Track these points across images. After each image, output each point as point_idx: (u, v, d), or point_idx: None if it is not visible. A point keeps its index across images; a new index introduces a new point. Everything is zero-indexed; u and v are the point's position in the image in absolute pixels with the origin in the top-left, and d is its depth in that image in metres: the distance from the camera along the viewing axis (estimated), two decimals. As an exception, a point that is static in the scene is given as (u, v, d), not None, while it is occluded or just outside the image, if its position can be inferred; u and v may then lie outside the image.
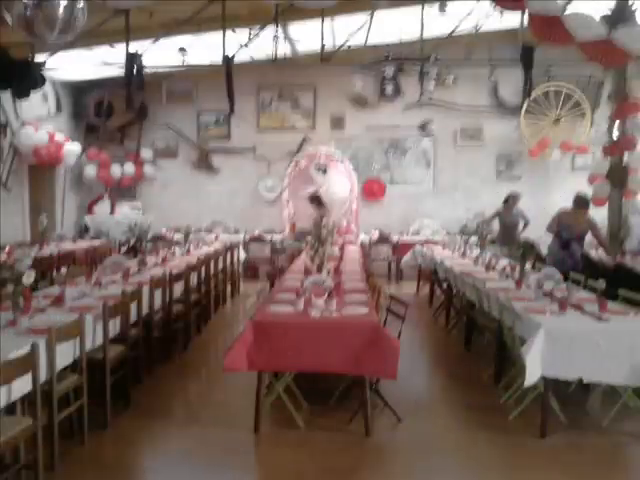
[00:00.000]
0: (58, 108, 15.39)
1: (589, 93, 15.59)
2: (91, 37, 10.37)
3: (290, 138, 16.54)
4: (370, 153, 16.69)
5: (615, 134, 11.82)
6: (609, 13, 8.46)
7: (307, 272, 7.70)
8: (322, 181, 15.54)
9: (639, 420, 6.04)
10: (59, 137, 14.50)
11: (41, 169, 14.80)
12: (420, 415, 6.24)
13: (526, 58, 9.26)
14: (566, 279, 7.83)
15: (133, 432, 5.79)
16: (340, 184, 15.77)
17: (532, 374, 5.53)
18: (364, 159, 16.66)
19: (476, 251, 11.56)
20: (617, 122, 11.77)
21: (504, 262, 9.69)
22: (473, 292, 8.14)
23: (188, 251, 11.57)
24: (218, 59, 9.80)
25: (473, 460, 5.34)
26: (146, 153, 16.58)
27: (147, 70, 9.87)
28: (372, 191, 16.57)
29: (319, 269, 7.35)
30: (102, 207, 16.47)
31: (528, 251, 9.22)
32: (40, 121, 14.18)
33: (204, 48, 12.21)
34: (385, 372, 5.63)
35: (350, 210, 16.02)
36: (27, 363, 4.34)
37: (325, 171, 15.72)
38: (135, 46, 9.51)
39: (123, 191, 16.74)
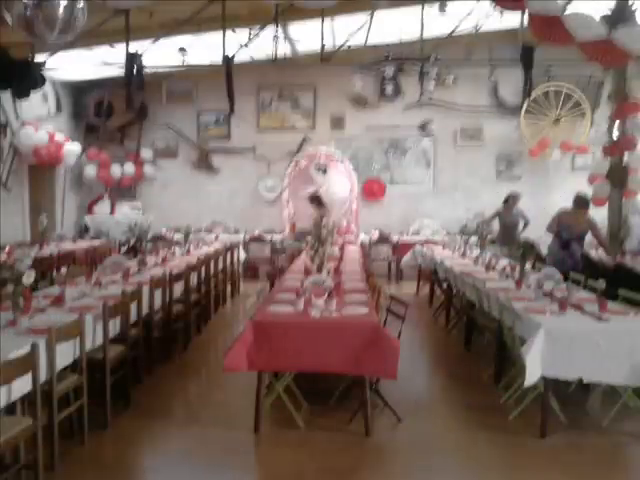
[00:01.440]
0: (58, 108, 15.39)
1: (589, 93, 15.59)
2: (91, 37, 10.37)
3: (290, 138, 16.54)
4: (370, 153, 16.68)
5: (615, 134, 11.82)
6: (609, 13, 8.46)
7: (307, 272, 7.70)
8: (322, 181, 15.54)
9: (639, 420, 6.05)
10: (59, 137, 14.50)
11: (41, 169, 14.80)
12: (420, 415, 6.24)
13: (526, 58, 9.26)
14: (566, 279, 7.83)
15: (133, 432, 5.80)
16: (340, 184, 15.77)
17: (532, 374, 5.53)
18: (364, 159, 16.65)
19: (476, 251, 11.56)
20: (617, 122, 11.77)
21: (504, 262, 9.69)
22: (473, 292, 8.14)
23: (188, 251, 11.56)
24: (218, 59, 9.80)
25: (473, 460, 5.34)
26: (146, 153, 16.58)
27: (147, 70, 9.86)
28: (372, 191, 16.56)
29: (319, 269, 7.35)
30: (102, 207, 16.47)
31: (528, 251, 9.21)
32: (40, 121, 14.18)
33: (204, 48, 12.21)
34: (385, 372, 5.63)
35: (350, 210, 16.02)
36: (27, 363, 4.34)
37: (325, 171, 15.73)
38: (135, 46, 9.51)
39: (123, 191, 16.75)
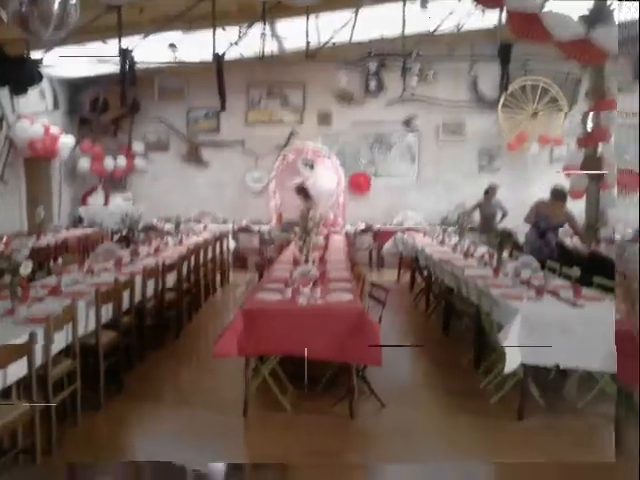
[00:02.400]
0: (55, 105, 15.27)
1: (567, 90, 15.57)
2: (83, 34, 10.28)
3: (278, 132, 16.46)
4: (357, 148, 16.63)
5: (589, 126, 11.79)
6: (587, 13, 8.41)
7: (296, 263, 7.69)
8: (309, 175, 15.51)
9: (613, 402, 6.07)
10: (54, 130, 14.39)
11: (37, 162, 14.70)
12: (402, 400, 6.26)
13: (503, 53, 9.24)
14: (543, 267, 7.85)
15: (125, 414, 5.83)
16: (327, 178, 15.74)
17: (512, 361, 5.55)
18: (351, 154, 16.61)
19: (455, 238, 11.56)
20: (591, 114, 11.75)
21: (483, 249, 9.70)
22: (452, 279, 8.16)
23: (181, 241, 11.49)
24: (208, 57, 9.75)
25: (454, 443, 5.38)
26: (138, 146, 16.48)
27: (139, 66, 9.81)
28: (359, 185, 16.52)
29: (307, 260, 7.36)
30: (96, 198, 16.40)
31: (505, 240, 9.21)
32: (36, 115, 14.07)
33: (195, 45, 12.14)
34: (370, 359, 5.65)
35: (337, 203, 15.97)
36: (23, 349, 4.34)
37: (312, 167, 15.69)
38: (127, 42, 9.45)
39: (114, 183, 16.64)
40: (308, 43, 11.31)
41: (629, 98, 10.80)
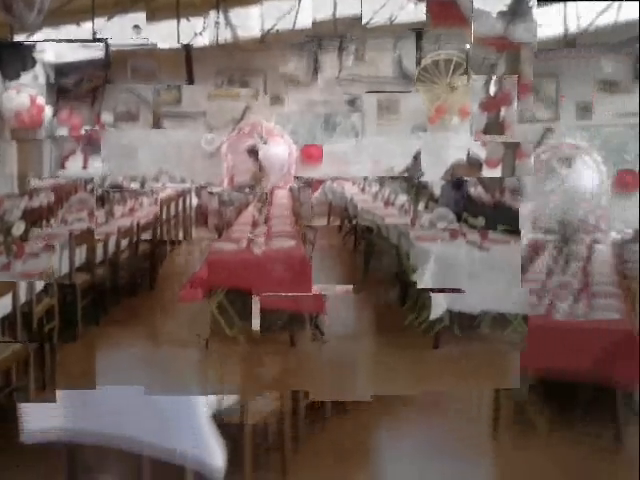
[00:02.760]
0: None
1: (483, 73, 15.36)
2: (56, 17, 10.00)
3: (234, 106, 16.19)
4: (307, 127, 16.51)
5: (492, 90, 11.14)
6: (505, 9, 8.28)
7: (255, 225, 7.67)
8: (262, 147, 15.31)
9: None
10: (40, 100, 13.85)
11: (24, 130, 14.26)
12: (337, 335, 6.15)
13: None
14: (459, 220, 7.59)
15: (100, 344, 5.95)
16: (279, 150, 15.57)
17: (437, 307, 5.51)
18: (303, 134, 16.49)
19: (376, 187, 11.40)
20: (494, 78, 11.23)
21: (403, 198, 9.55)
22: (373, 225, 8.22)
23: (156, 201, 11.19)
24: (174, 44, 9.57)
25: (382, 372, 5.44)
26: (107, 117, 16.08)
27: (112, 49, 9.61)
28: (310, 155, 16.35)
29: (266, 221, 7.37)
30: (74, 162, 16.05)
31: (421, 191, 9.08)
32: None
33: (160, 34, 11.87)
34: (314, 307, 5.74)
35: (289, 173, 15.80)
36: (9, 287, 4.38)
37: (265, 142, 15.50)
38: (100, 25, 9.24)
39: (92, 146, 16.27)
40: (261, 30, 11.14)
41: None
